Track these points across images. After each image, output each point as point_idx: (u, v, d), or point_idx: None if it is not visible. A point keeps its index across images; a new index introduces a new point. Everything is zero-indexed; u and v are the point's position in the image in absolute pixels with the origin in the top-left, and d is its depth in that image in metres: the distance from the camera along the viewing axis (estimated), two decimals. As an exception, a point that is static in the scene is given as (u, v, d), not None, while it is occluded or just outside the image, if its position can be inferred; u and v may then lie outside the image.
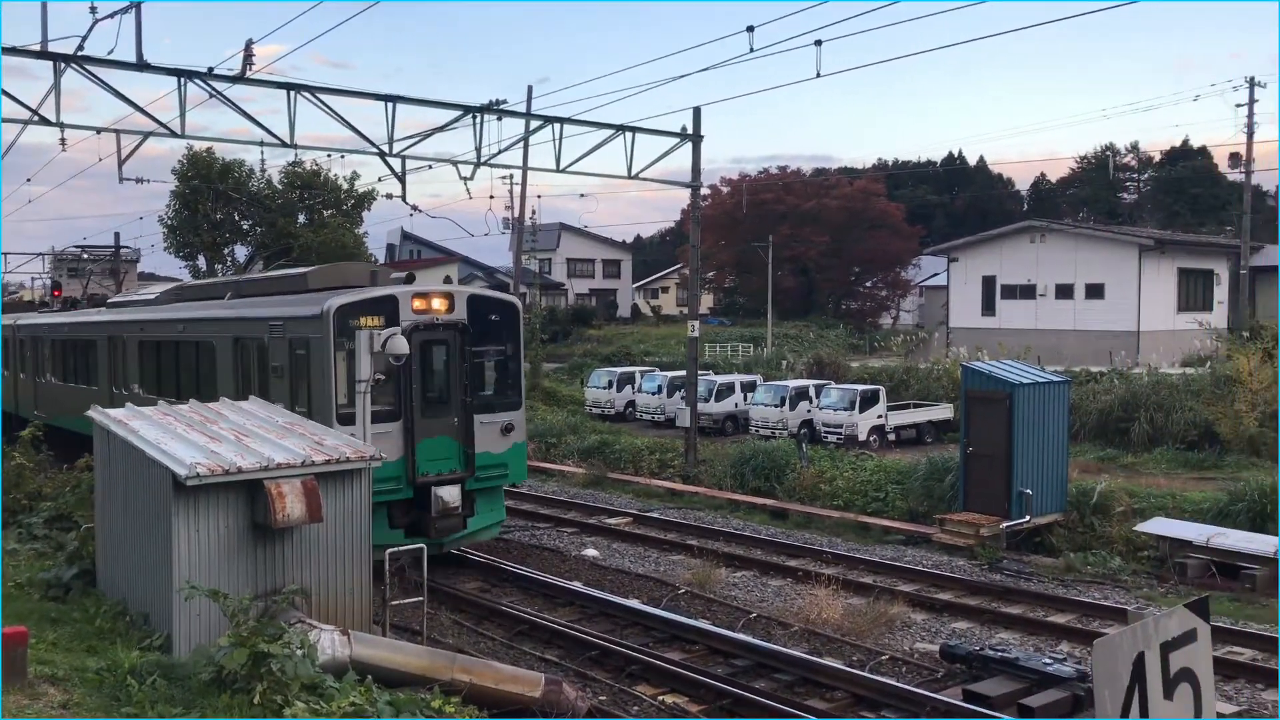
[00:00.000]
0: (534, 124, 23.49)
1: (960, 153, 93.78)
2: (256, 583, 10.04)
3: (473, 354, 15.68)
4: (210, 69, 18.35)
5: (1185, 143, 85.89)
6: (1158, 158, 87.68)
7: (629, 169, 24.08)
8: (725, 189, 72.31)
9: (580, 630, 13.33)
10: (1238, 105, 47.74)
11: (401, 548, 11.90)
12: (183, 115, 18.44)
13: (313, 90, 19.26)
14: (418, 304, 15.13)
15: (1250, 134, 47.89)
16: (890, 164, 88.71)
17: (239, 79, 18.25)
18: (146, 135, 20.06)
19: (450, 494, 15.07)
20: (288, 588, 9.78)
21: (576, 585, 15.54)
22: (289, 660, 8.11)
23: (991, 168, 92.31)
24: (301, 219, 48.60)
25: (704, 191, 42.66)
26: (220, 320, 17.89)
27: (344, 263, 19.94)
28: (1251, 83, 47.63)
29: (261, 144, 20.17)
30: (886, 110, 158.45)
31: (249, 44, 17.62)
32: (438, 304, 15.36)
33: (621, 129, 23.26)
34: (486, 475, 15.76)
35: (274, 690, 7.86)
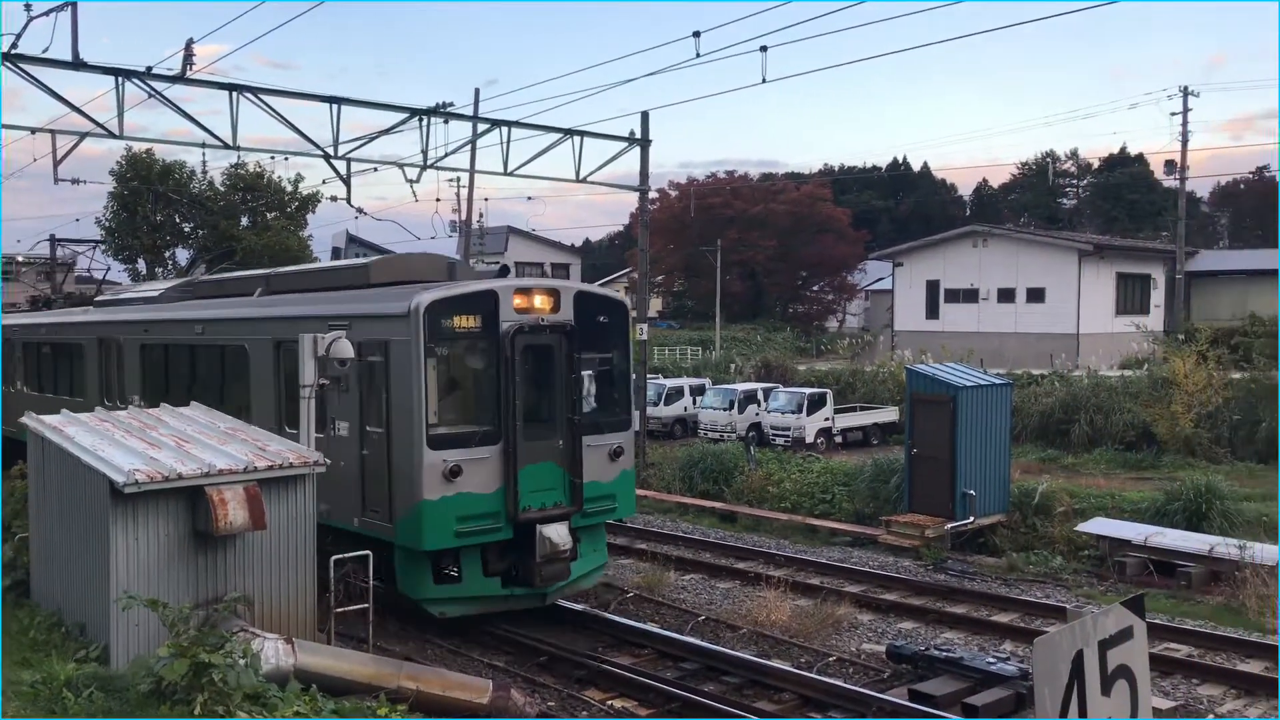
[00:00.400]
0: (481, 127, 23.39)
1: (905, 158, 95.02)
2: (198, 591, 9.86)
3: (580, 362, 13.48)
4: (149, 69, 18.04)
5: (1123, 150, 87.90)
6: (1096, 164, 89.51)
7: (577, 172, 24.07)
8: (674, 193, 72.52)
9: (528, 636, 13.27)
10: (1172, 114, 48.96)
11: (347, 555, 11.74)
12: (121, 115, 18.11)
13: (255, 91, 19.00)
14: (519, 301, 12.93)
15: (1184, 142, 49.10)
16: (837, 169, 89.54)
17: (179, 79, 17.96)
18: (83, 135, 19.65)
19: (559, 533, 12.79)
20: (229, 596, 9.61)
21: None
22: (231, 670, 7.97)
23: (935, 173, 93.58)
24: (245, 221, 47.91)
25: (652, 195, 42.69)
26: (255, 320, 15.43)
27: (409, 254, 16.86)
28: (1185, 91, 48.84)
29: (203, 145, 19.87)
30: (833, 116, 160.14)
31: (189, 43, 17.37)
32: (540, 301, 13.11)
33: (569, 133, 23.24)
34: (594, 509, 13.54)
35: (215, 701, 7.73)
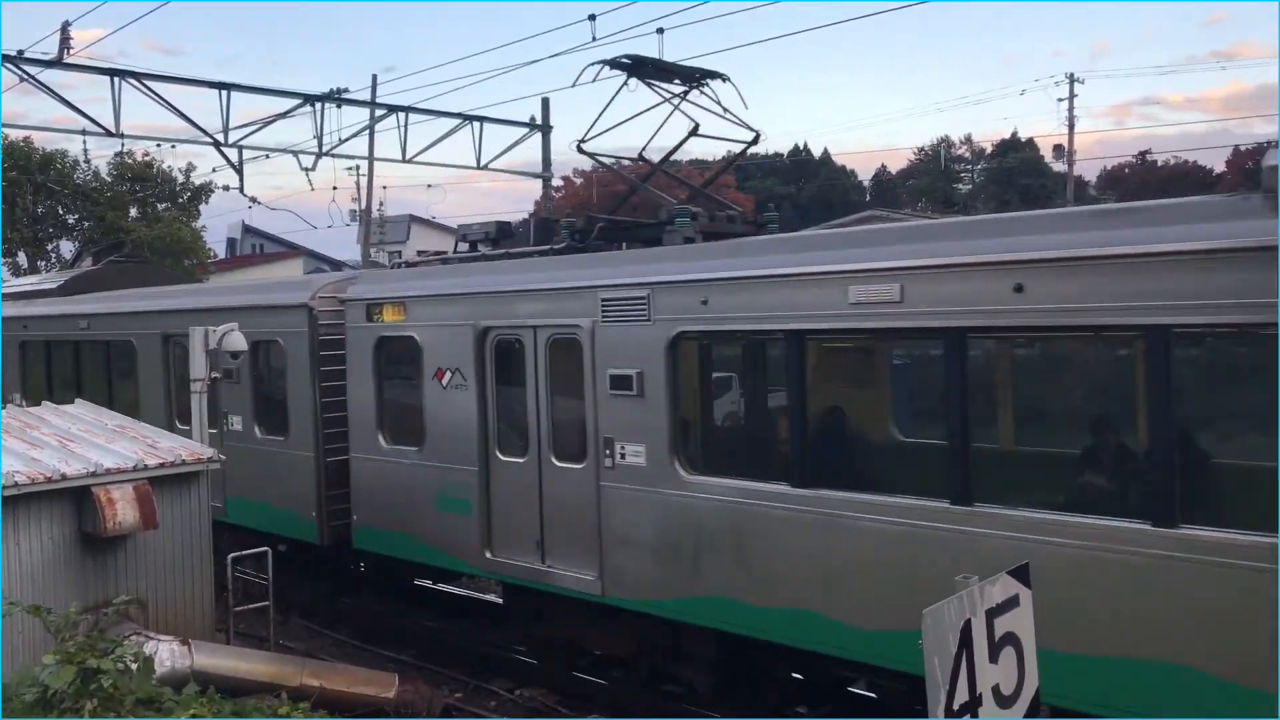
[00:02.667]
0: (378, 113, 22.98)
1: (806, 145, 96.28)
2: (87, 595, 9.51)
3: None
4: (21, 52, 17.25)
5: (1015, 135, 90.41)
6: (990, 149, 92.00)
7: (478, 159, 23.82)
8: (579, 180, 72.30)
9: (436, 628, 13.14)
10: (1059, 99, 50.67)
11: (244, 552, 11.46)
12: (-7, 102, 17.29)
13: (138, 76, 18.32)
14: None
15: (1071, 126, 50.86)
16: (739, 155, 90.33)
17: (55, 63, 17.21)
18: (-48, 123, 18.71)
19: None
20: (118, 599, 9.29)
21: (428, 583, 15.28)
22: (122, 675, 7.71)
23: (836, 159, 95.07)
24: (134, 212, 46.22)
25: (557, 182, 42.58)
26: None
27: None
28: (1071, 78, 50.56)
29: (84, 133, 19.11)
30: (734, 103, 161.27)
31: (65, 26, 16.63)
32: None
33: (468, 118, 22.98)
34: None
35: (106, 707, 7.46)
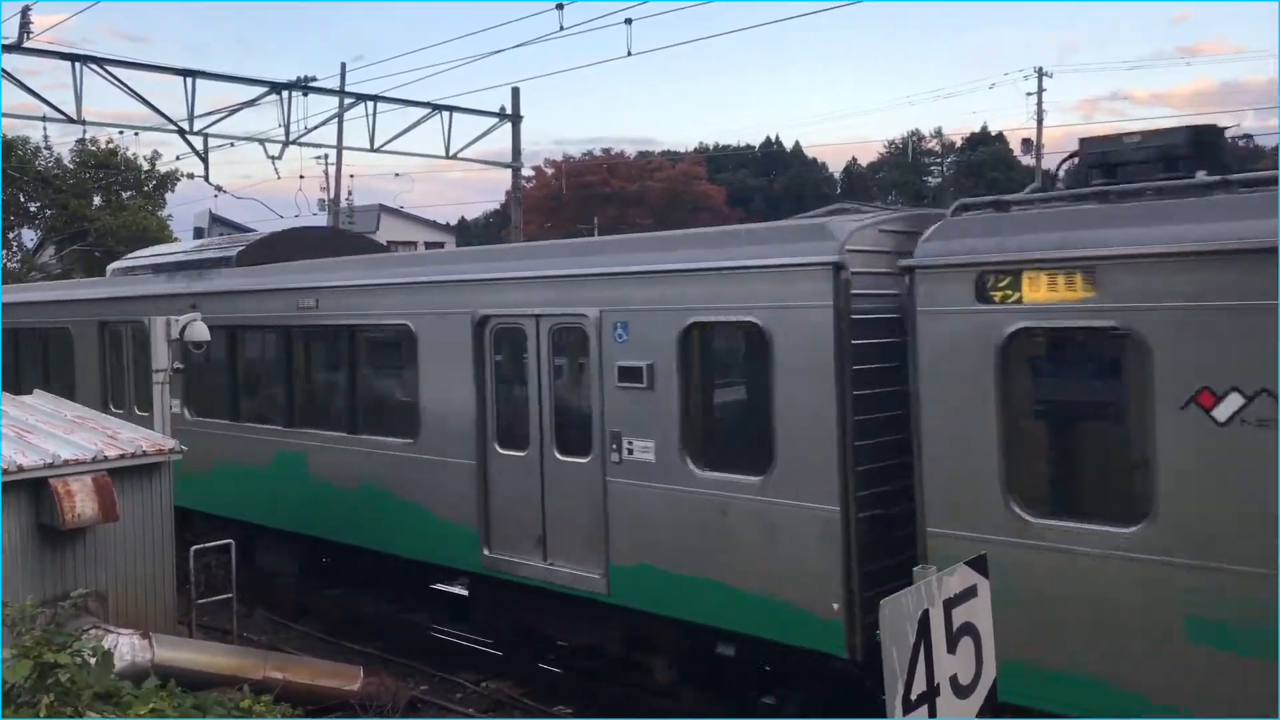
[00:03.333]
0: (347, 101, 22.78)
1: (777, 137, 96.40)
2: (45, 588, 9.40)
3: None
4: (-19, 36, 16.96)
5: (984, 129, 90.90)
6: (959, 143, 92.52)
7: (447, 149, 23.70)
8: (550, 170, 72.16)
9: (403, 620, 13.07)
10: (1028, 94, 50.99)
11: (207, 544, 11.34)
12: (-50, 87, 16.99)
13: (100, 62, 18.06)
14: None
15: (1040, 121, 51.24)
16: (711, 148, 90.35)
17: (15, 48, 16.92)
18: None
19: None
20: (76, 592, 9.18)
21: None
22: (80, 670, 7.61)
23: (806, 151, 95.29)
24: (97, 200, 45.62)
25: (528, 173, 42.47)
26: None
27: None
28: (1040, 72, 50.91)
29: (44, 119, 18.84)
30: (706, 95, 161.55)
31: (25, 10, 16.37)
32: None
33: (437, 108, 22.84)
34: None
35: (63, 702, 7.36)
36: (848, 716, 8.65)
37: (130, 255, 17.74)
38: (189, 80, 19.24)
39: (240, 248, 14.64)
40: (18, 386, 16.01)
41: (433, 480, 10.99)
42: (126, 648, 8.90)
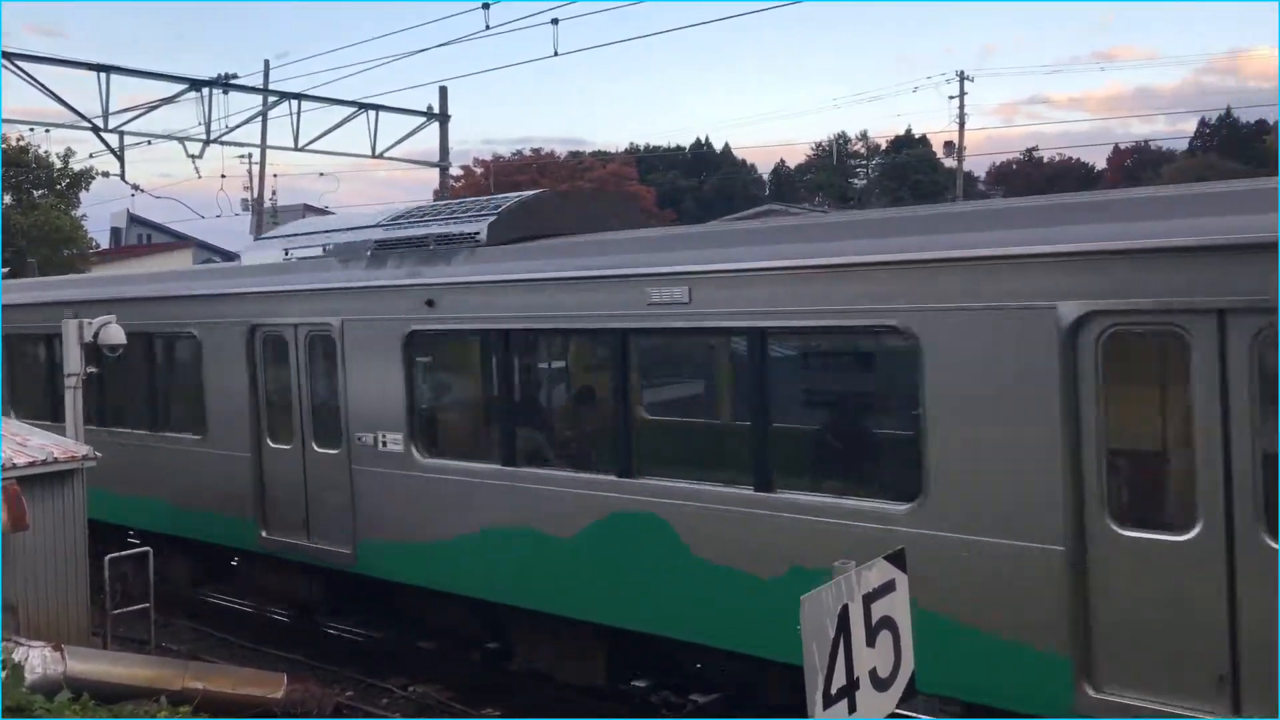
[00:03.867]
0: (270, 99, 22.38)
1: (707, 139, 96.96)
2: (-49, 601, 9.07)
3: None
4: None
5: (908, 131, 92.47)
6: (884, 145, 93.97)
7: (373, 148, 23.41)
8: (479, 170, 71.65)
9: (330, 626, 12.88)
10: (950, 97, 51.98)
11: (122, 553, 11.05)
12: None
13: (11, 57, 17.49)
14: None
15: (961, 124, 52.29)
16: (642, 148, 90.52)
17: (-83, 41, 16.33)
18: None
19: None
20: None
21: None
22: (-12, 683, 7.37)
23: (736, 153, 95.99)
24: (8, 199, 44.19)
25: (456, 172, 41.94)
26: None
27: None
28: (962, 76, 51.94)
29: (-52, 115, 18.17)
30: (636, 95, 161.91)
31: (-72, 2, 15.76)
32: None
33: (363, 106, 22.56)
34: None
35: (-30, 717, 7.12)
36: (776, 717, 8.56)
37: (275, 233, 13.68)
38: (103, 76, 18.72)
39: (490, 217, 10.16)
40: (104, 418, 13.35)
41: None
42: (38, 660, 8.63)
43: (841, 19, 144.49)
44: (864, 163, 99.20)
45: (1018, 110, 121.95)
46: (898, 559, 4.38)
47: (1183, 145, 74.14)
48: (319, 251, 11.51)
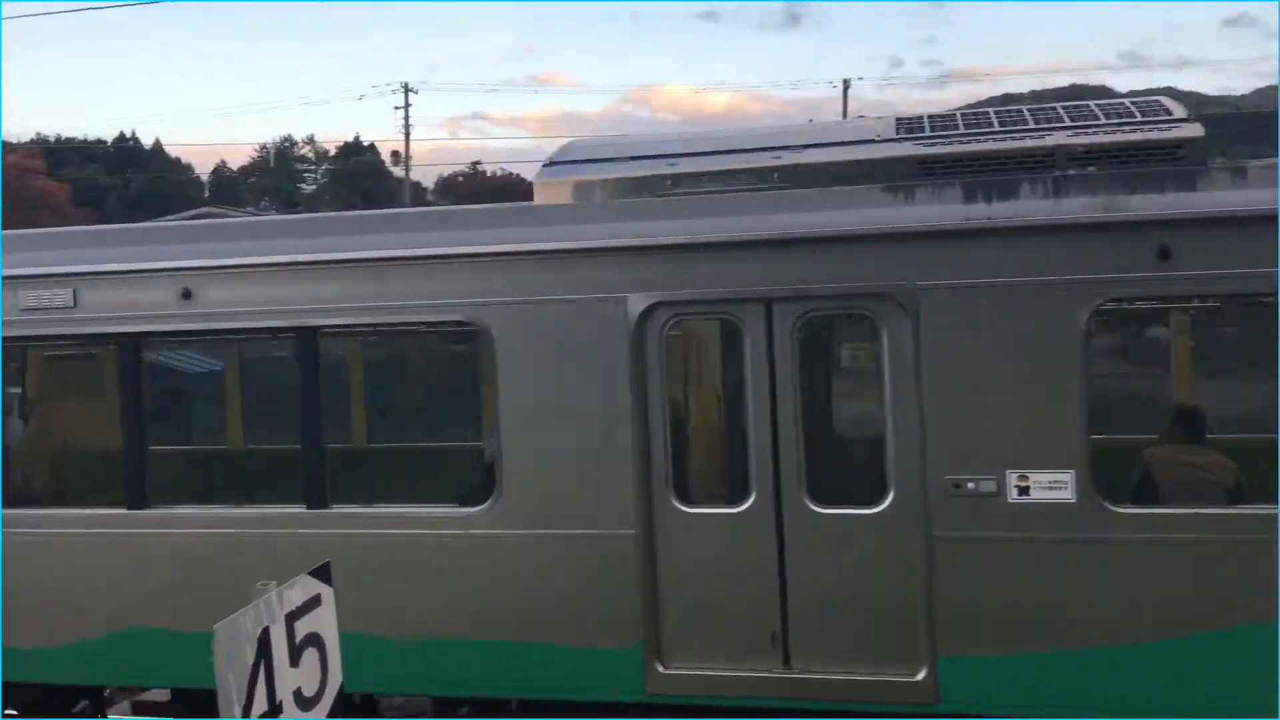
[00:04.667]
0: None
1: (134, 133, 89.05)
2: None
3: None
4: None
5: (357, 139, 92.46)
6: (334, 151, 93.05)
7: None
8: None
9: None
10: (396, 108, 52.85)
11: None
12: None
13: None
14: None
15: (407, 134, 53.48)
16: (52, 140, 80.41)
17: None
18: None
19: None
20: None
21: None
22: None
23: (169, 151, 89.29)
24: None
25: None
26: None
27: None
28: (406, 87, 53.09)
29: None
30: (51, 86, 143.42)
31: None
32: None
33: None
34: None
35: None
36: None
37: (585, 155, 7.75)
38: None
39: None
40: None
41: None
42: None
43: (289, 19, 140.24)
44: (313, 168, 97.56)
45: (462, 125, 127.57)
46: (322, 573, 4.32)
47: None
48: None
